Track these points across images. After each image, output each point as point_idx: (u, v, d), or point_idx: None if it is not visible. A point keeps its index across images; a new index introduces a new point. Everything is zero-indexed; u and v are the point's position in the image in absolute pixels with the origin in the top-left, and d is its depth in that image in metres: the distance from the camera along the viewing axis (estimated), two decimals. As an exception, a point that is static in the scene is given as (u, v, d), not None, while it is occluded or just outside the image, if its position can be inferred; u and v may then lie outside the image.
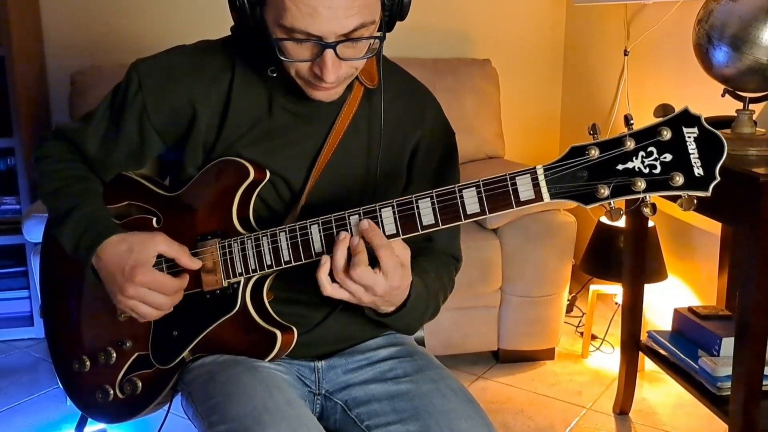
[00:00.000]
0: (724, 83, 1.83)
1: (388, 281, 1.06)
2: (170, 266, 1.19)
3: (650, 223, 2.30)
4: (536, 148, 3.36)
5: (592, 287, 2.73)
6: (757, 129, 1.82)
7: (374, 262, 1.05)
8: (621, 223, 2.41)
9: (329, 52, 1.04)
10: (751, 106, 1.82)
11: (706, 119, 0.92)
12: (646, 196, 0.94)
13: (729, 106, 1.87)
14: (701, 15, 1.81)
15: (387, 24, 1.10)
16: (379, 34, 1.09)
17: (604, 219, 2.62)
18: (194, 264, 1.18)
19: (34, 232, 2.21)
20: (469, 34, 3.23)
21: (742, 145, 1.76)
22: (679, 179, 0.91)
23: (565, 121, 3.41)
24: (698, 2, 1.87)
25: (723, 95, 1.86)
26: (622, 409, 2.28)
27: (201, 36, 1.30)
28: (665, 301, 2.64)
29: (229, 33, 1.23)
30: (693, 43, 1.84)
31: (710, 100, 2.04)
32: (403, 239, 1.07)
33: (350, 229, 1.07)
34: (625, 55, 2.80)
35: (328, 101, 1.15)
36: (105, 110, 1.26)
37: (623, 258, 2.23)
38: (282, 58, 1.07)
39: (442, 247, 1.29)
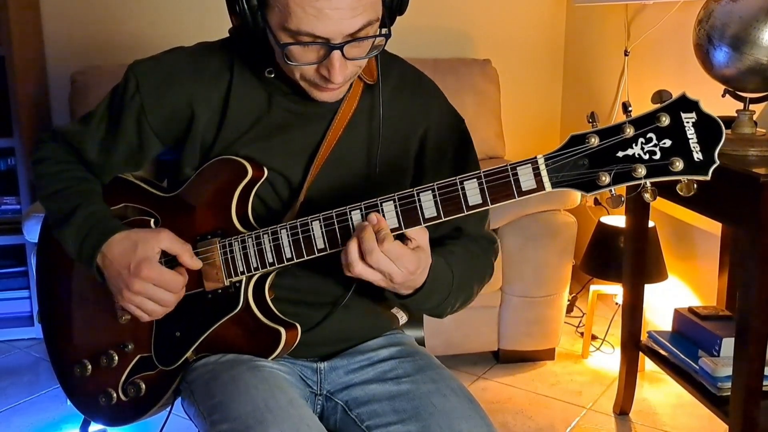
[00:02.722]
0: (724, 83, 1.84)
1: (399, 266, 1.03)
2: (168, 263, 1.19)
3: (650, 223, 2.30)
4: (536, 148, 3.33)
5: (592, 287, 2.73)
6: (758, 129, 1.82)
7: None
8: (621, 222, 2.42)
9: (336, 54, 1.04)
10: (752, 107, 1.82)
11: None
12: (646, 182, 0.94)
13: (729, 107, 1.87)
14: (701, 15, 1.81)
15: (387, 19, 1.10)
16: (383, 31, 1.09)
17: (604, 219, 2.62)
18: (195, 264, 1.18)
19: (34, 232, 2.21)
20: (469, 34, 3.23)
21: (743, 145, 1.75)
22: (679, 164, 0.91)
23: (565, 121, 3.41)
24: (698, 2, 1.87)
25: (723, 95, 1.86)
26: (622, 410, 2.28)
27: (200, 37, 1.30)
28: (665, 301, 2.64)
29: (228, 34, 1.23)
30: (693, 43, 1.85)
31: (710, 101, 2.03)
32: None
33: (351, 225, 1.07)
34: (626, 55, 2.81)
35: (333, 101, 1.15)
36: (103, 112, 1.26)
37: (623, 258, 2.23)
38: (288, 62, 1.06)
39: (472, 232, 1.26)
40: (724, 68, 1.77)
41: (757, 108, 1.84)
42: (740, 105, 1.83)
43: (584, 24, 3.20)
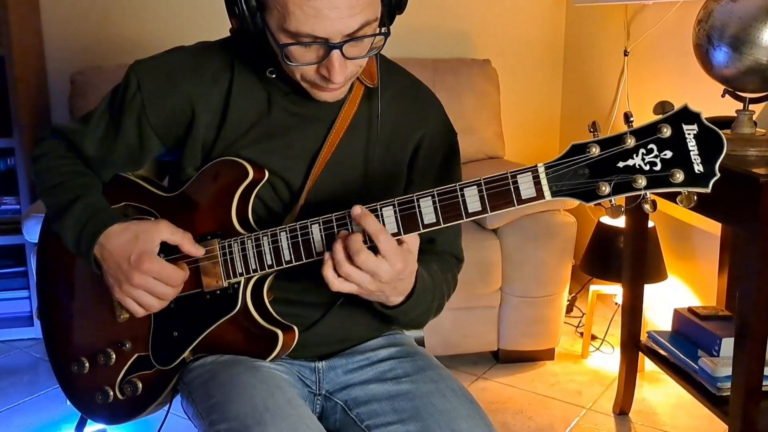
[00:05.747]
0: (724, 83, 1.84)
1: (390, 265, 1.04)
2: (168, 258, 1.19)
3: (650, 223, 2.30)
4: (536, 148, 3.36)
5: (592, 287, 2.73)
6: (757, 129, 1.83)
7: (375, 251, 1.04)
8: (621, 223, 2.42)
9: (336, 53, 1.04)
10: (751, 107, 1.82)
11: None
12: (646, 193, 0.94)
13: (729, 107, 1.87)
14: (701, 15, 1.81)
15: (387, 18, 1.10)
16: (382, 29, 1.09)
17: (604, 219, 2.62)
18: (198, 251, 1.18)
19: (34, 232, 2.21)
20: (469, 34, 3.23)
21: (742, 145, 1.76)
22: (680, 176, 0.92)
23: (565, 121, 3.41)
24: (698, 2, 1.87)
25: (723, 95, 1.86)
26: (621, 410, 2.28)
27: (200, 37, 1.30)
28: (665, 301, 2.64)
29: (228, 34, 1.23)
30: (693, 43, 1.85)
31: (710, 101, 2.04)
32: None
33: (351, 229, 1.07)
34: (625, 55, 2.81)
35: (333, 101, 1.15)
36: (104, 111, 1.26)
37: (623, 258, 2.23)
38: (288, 63, 1.07)
39: (443, 247, 1.29)
40: (724, 68, 1.77)
41: (757, 108, 1.84)
42: (740, 105, 1.83)
43: (584, 24, 3.20)
